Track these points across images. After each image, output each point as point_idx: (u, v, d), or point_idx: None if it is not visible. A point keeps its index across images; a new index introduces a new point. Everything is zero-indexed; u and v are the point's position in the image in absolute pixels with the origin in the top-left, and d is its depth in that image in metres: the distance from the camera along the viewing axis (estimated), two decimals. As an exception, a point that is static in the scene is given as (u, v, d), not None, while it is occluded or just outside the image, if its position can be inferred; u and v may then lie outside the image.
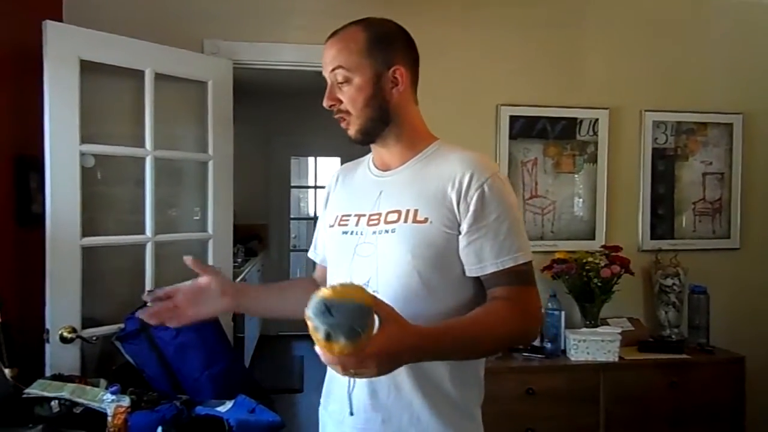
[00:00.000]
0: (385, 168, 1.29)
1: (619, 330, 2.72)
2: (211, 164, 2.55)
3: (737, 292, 3.12)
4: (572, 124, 3.00)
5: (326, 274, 1.38)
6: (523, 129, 2.96)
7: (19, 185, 2.16)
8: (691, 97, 3.11)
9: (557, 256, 2.89)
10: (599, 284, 2.79)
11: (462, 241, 1.16)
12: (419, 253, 1.15)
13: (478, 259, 1.15)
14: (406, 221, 1.17)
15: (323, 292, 0.89)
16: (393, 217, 1.19)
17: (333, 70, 1.20)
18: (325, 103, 1.23)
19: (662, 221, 3.11)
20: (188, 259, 1.30)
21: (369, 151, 1.36)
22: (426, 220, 1.16)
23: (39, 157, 2.08)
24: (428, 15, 2.84)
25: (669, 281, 2.95)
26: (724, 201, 3.17)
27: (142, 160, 2.32)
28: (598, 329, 2.75)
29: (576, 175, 3.02)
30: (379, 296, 1.06)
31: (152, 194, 2.33)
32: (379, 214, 1.22)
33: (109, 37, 2.22)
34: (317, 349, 0.89)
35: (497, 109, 2.93)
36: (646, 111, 3.06)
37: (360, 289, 0.92)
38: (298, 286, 1.49)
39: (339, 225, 1.29)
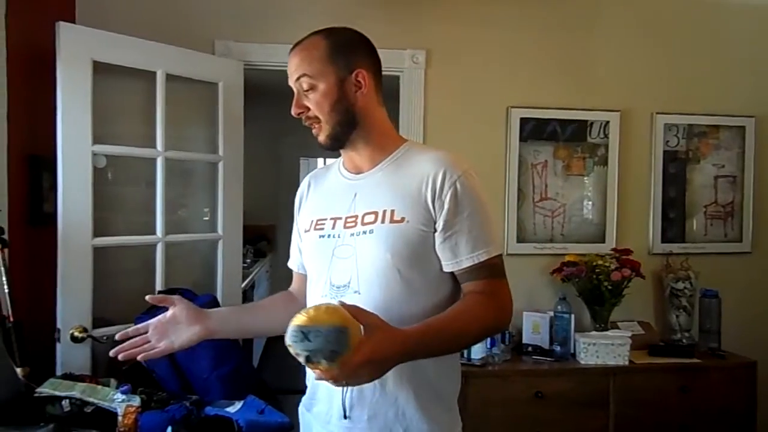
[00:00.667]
0: (357, 171, 1.31)
1: (630, 333, 2.70)
2: (221, 165, 2.56)
3: (749, 296, 3.09)
4: (583, 126, 2.98)
5: (303, 283, 1.40)
6: (534, 131, 2.94)
7: (32, 185, 2.18)
8: (703, 99, 3.09)
9: (567, 258, 2.87)
10: (609, 287, 2.77)
11: (438, 238, 1.20)
12: (398, 252, 1.19)
13: (454, 254, 1.20)
14: (383, 222, 1.20)
15: (298, 319, 0.92)
16: (370, 218, 1.22)
17: (298, 78, 1.23)
18: (294, 112, 1.25)
19: (673, 224, 3.09)
20: (147, 298, 1.34)
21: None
22: (403, 219, 1.19)
23: (51, 157, 2.09)
24: (438, 17, 2.84)
25: (680, 285, 2.93)
26: (736, 204, 3.14)
27: (153, 160, 2.33)
28: (608, 333, 2.73)
29: (586, 178, 3.01)
30: (360, 297, 1.15)
31: (163, 195, 2.34)
32: (356, 216, 1.25)
33: (121, 39, 2.23)
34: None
35: (508, 111, 2.92)
36: (657, 114, 3.04)
37: (333, 311, 0.95)
38: (274, 304, 1.49)
39: (315, 229, 1.32)
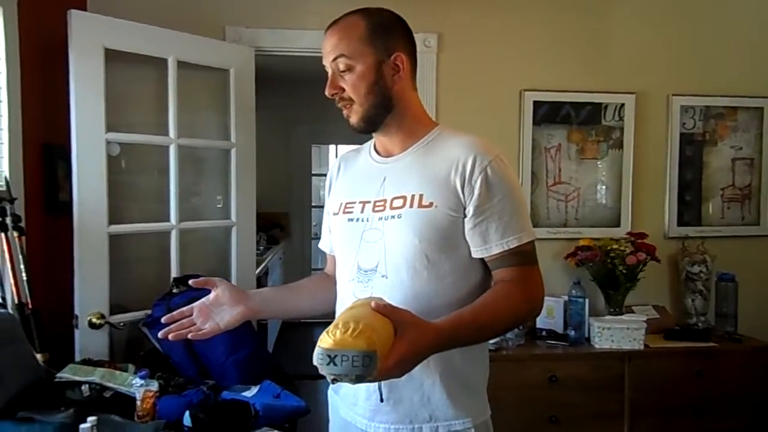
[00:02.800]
0: (387, 154, 1.30)
1: (645, 318, 2.69)
2: (233, 152, 2.56)
3: (767, 279, 3.05)
4: (597, 109, 2.95)
5: (335, 263, 1.39)
6: (547, 114, 2.91)
7: (47, 174, 2.20)
8: (720, 81, 3.03)
9: (581, 243, 2.85)
10: (624, 271, 2.75)
11: (468, 223, 1.18)
12: (426, 237, 1.18)
13: (484, 240, 1.18)
14: (411, 206, 1.19)
15: (324, 341, 0.90)
16: (398, 202, 1.21)
17: (335, 59, 1.21)
18: (328, 92, 1.23)
19: (689, 208, 3.06)
20: (191, 282, 1.34)
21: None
22: (431, 204, 1.18)
23: (65, 146, 2.10)
24: (450, 1, 2.80)
25: (696, 268, 2.90)
26: (754, 187, 3.10)
27: (166, 148, 2.34)
28: (623, 317, 2.72)
29: (601, 161, 2.98)
30: (387, 281, 1.15)
31: (176, 182, 2.35)
32: (385, 200, 1.24)
33: (132, 26, 2.23)
34: None
35: (521, 94, 2.89)
36: (673, 95, 3.00)
37: (360, 333, 0.90)
38: (314, 284, 1.50)
39: (344, 213, 1.31)
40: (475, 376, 1.25)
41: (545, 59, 2.90)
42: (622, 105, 2.95)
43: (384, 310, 0.97)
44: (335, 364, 0.88)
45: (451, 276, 1.20)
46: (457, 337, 1.06)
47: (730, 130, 3.07)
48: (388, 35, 1.22)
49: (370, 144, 1.37)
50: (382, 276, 1.20)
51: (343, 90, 1.22)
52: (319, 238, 1.53)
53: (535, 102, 2.90)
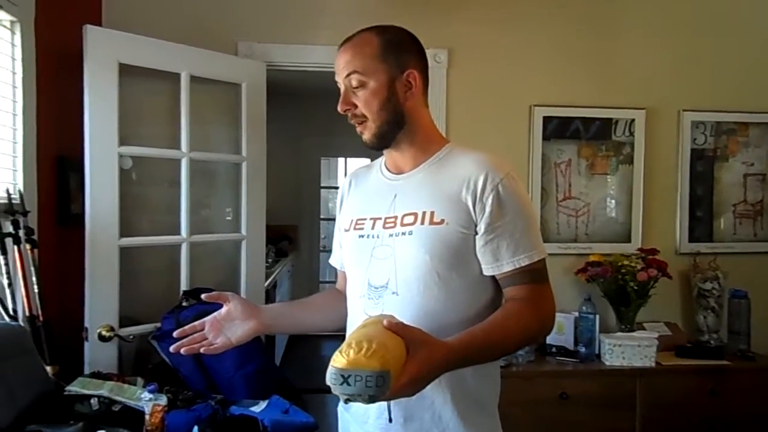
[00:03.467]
0: (398, 171, 1.30)
1: (656, 335, 2.65)
2: (244, 165, 2.57)
3: (780, 297, 3.02)
4: (607, 124, 2.94)
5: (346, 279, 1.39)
6: (557, 130, 2.91)
7: (60, 186, 2.22)
8: (731, 96, 3.02)
9: (591, 258, 2.84)
10: (635, 288, 2.73)
11: (479, 241, 1.18)
12: (437, 254, 1.17)
13: (495, 258, 1.18)
14: (422, 223, 1.19)
15: (337, 360, 0.90)
16: (409, 219, 1.21)
17: (348, 75, 1.22)
18: (341, 108, 1.24)
19: (700, 224, 3.03)
20: (203, 296, 1.34)
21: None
22: (443, 221, 1.18)
23: (78, 158, 2.12)
24: (460, 17, 2.82)
25: (708, 285, 2.87)
26: (766, 203, 3.07)
27: (178, 161, 2.35)
28: (635, 333, 2.69)
29: (611, 177, 2.97)
30: (398, 298, 1.14)
31: (187, 195, 2.36)
32: (395, 217, 1.23)
33: (146, 41, 2.26)
34: None
35: (531, 109, 2.89)
36: (684, 111, 2.99)
37: (373, 353, 0.89)
38: (325, 300, 1.50)
39: (355, 229, 1.31)
40: (486, 393, 1.24)
41: (555, 74, 2.91)
42: (633, 120, 2.95)
43: (396, 328, 0.97)
44: (349, 384, 0.88)
45: (463, 293, 1.19)
46: (469, 356, 1.05)
47: (742, 146, 3.05)
48: (401, 52, 1.23)
49: (381, 160, 1.37)
50: (393, 293, 1.19)
51: (356, 106, 1.22)
52: (327, 251, 1.54)
53: (544, 117, 2.90)
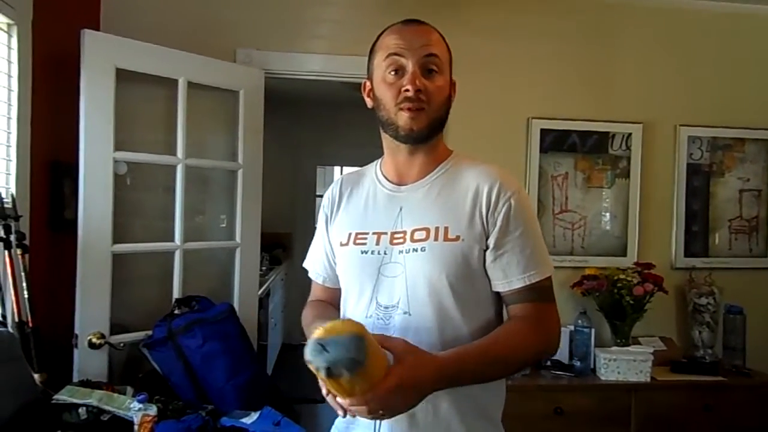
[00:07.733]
0: (399, 180, 1.24)
1: (652, 349, 2.64)
2: (240, 173, 2.56)
3: (775, 313, 3.01)
4: (604, 138, 2.95)
5: (333, 296, 1.32)
6: (554, 143, 2.91)
7: (53, 191, 2.19)
8: (727, 112, 3.04)
9: (587, 272, 2.83)
10: (631, 302, 2.72)
11: (489, 256, 1.15)
12: (453, 272, 1.13)
13: (505, 274, 1.15)
14: (436, 239, 1.14)
15: (315, 333, 0.92)
16: (421, 234, 1.15)
17: (430, 55, 1.17)
18: (418, 85, 1.13)
19: (696, 239, 3.04)
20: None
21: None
22: (458, 238, 1.14)
23: (72, 164, 2.10)
24: (458, 29, 2.80)
25: (703, 300, 2.87)
26: (761, 219, 3.08)
27: (173, 167, 2.33)
28: (630, 348, 2.68)
29: (607, 190, 2.97)
30: (410, 318, 1.12)
31: (182, 202, 2.34)
32: (404, 232, 1.17)
33: (144, 47, 2.24)
34: (338, 400, 0.96)
35: (528, 122, 2.89)
36: (681, 126, 3.00)
37: (349, 321, 0.95)
38: (328, 315, 1.38)
39: (355, 244, 1.22)
40: (492, 405, 1.20)
41: (553, 88, 2.91)
42: (630, 134, 2.95)
43: (380, 338, 0.97)
44: (327, 351, 0.88)
45: (474, 310, 1.15)
46: (466, 371, 1.03)
47: (738, 162, 3.06)
48: (452, 61, 1.24)
49: (373, 167, 1.31)
50: (404, 312, 1.13)
51: (421, 91, 1.14)
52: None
53: (542, 130, 2.90)
